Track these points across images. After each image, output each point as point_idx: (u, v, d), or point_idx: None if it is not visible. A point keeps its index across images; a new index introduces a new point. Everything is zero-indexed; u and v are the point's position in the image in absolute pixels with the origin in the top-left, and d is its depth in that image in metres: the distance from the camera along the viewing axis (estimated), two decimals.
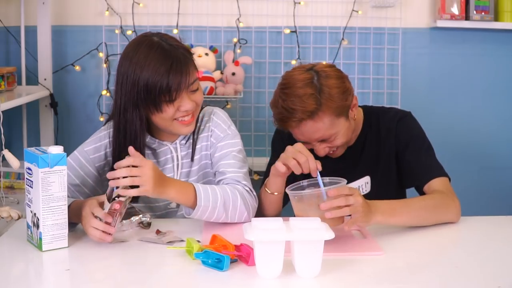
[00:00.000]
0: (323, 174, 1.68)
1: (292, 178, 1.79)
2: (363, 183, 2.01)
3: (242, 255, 1.51)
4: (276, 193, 1.86)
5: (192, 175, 1.93)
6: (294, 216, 1.64)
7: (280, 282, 1.42)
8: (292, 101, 1.83)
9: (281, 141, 2.03)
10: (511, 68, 3.11)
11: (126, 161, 1.63)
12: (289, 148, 1.74)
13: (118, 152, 1.82)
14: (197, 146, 1.93)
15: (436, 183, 1.89)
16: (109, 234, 1.61)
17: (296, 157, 1.70)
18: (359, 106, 2.05)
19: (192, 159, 1.92)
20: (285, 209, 2.07)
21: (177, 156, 1.91)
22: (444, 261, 1.59)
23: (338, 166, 1.95)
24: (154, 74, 1.73)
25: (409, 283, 1.44)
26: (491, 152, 3.14)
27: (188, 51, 1.82)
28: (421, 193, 1.93)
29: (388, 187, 1.99)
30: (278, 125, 1.93)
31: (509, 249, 1.66)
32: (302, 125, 1.85)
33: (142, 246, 1.65)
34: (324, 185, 1.65)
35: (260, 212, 1.91)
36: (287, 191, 1.65)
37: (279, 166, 1.74)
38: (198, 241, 1.55)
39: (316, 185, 1.66)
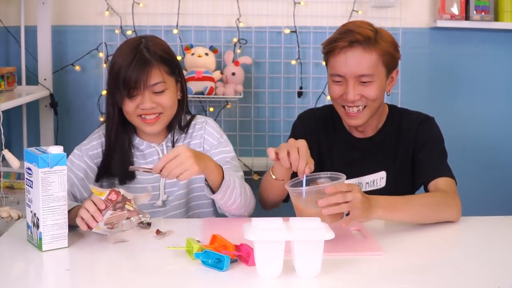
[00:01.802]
0: (336, 162, 1.67)
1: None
2: (378, 178, 2.02)
3: (242, 255, 1.51)
4: (278, 179, 1.85)
5: None
6: (294, 212, 1.65)
7: (280, 282, 1.42)
8: (351, 26, 1.95)
9: (302, 126, 2.09)
10: (511, 68, 3.11)
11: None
12: (291, 141, 1.74)
13: (109, 143, 1.96)
14: None
15: (441, 182, 1.91)
16: (96, 221, 1.60)
17: (290, 151, 1.70)
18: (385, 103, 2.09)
19: None
20: (285, 208, 2.08)
21: None
22: (444, 261, 1.59)
23: (355, 157, 2.00)
24: (120, 66, 1.87)
25: (409, 283, 1.44)
26: (491, 152, 3.14)
27: (162, 57, 1.91)
28: (426, 191, 1.95)
29: (403, 186, 2.00)
30: (326, 49, 1.96)
31: (509, 250, 1.66)
32: (352, 49, 1.90)
33: (142, 246, 1.65)
34: (323, 179, 1.66)
35: (264, 196, 1.98)
36: (286, 187, 1.66)
37: (270, 151, 1.75)
38: (198, 241, 1.55)
39: (315, 179, 1.67)
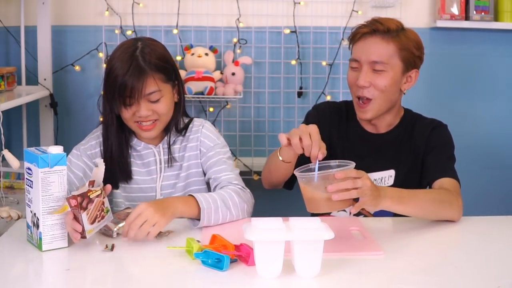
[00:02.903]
0: (345, 155, 1.69)
1: (302, 159, 1.78)
2: (387, 176, 2.04)
3: (242, 255, 1.51)
4: (285, 161, 1.86)
5: (180, 181, 2.01)
6: (294, 208, 1.66)
7: (280, 282, 1.42)
8: (379, 18, 2.02)
9: (316, 116, 2.11)
10: (511, 68, 3.11)
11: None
12: (302, 126, 1.73)
13: (108, 147, 1.96)
14: (186, 154, 2.02)
15: (445, 182, 1.93)
16: (78, 232, 1.59)
17: (302, 137, 1.69)
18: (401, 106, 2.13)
19: (169, 165, 2.00)
20: (285, 208, 2.07)
21: (160, 159, 2.00)
22: (444, 261, 1.59)
23: (365, 152, 2.03)
24: (116, 74, 1.86)
25: (409, 283, 1.44)
26: (490, 152, 3.14)
27: (157, 65, 1.89)
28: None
29: (411, 188, 2.00)
30: (351, 35, 2.04)
31: (509, 250, 1.66)
32: (372, 37, 1.99)
33: (142, 246, 1.65)
34: (332, 168, 1.65)
35: (267, 175, 2.00)
36: (295, 173, 1.65)
37: (281, 137, 1.74)
38: (198, 241, 1.55)
39: (325, 168, 1.66)
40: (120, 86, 1.85)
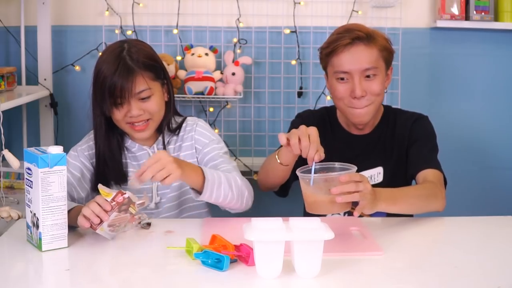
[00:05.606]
0: (334, 160, 1.70)
1: (301, 162, 1.79)
2: (376, 173, 2.07)
3: (242, 255, 1.51)
4: (283, 164, 1.86)
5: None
6: (293, 207, 1.67)
7: (280, 282, 1.42)
8: (348, 26, 2.05)
9: (301, 124, 2.08)
10: (511, 68, 3.11)
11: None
12: (302, 127, 1.75)
13: (99, 152, 1.97)
14: (182, 154, 2.02)
15: (429, 173, 1.96)
16: (100, 220, 1.60)
17: (301, 138, 1.71)
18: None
19: None
20: (285, 208, 2.08)
21: None
22: (444, 261, 1.59)
23: (352, 154, 2.05)
24: (105, 75, 1.88)
25: (408, 283, 1.44)
26: (491, 152, 3.14)
27: (145, 64, 1.91)
28: (414, 181, 2.01)
29: (399, 181, 2.04)
30: (328, 49, 2.04)
31: (509, 249, 1.66)
32: (355, 46, 1.99)
33: (142, 246, 1.65)
34: (335, 170, 1.66)
35: (264, 178, 2.00)
36: (298, 173, 1.66)
37: (281, 137, 1.75)
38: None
39: (327, 169, 1.67)
40: (110, 87, 1.87)
